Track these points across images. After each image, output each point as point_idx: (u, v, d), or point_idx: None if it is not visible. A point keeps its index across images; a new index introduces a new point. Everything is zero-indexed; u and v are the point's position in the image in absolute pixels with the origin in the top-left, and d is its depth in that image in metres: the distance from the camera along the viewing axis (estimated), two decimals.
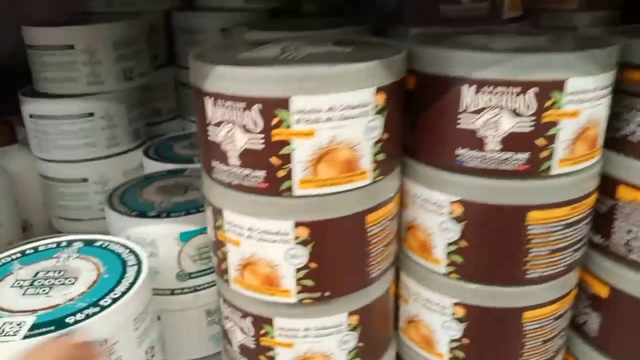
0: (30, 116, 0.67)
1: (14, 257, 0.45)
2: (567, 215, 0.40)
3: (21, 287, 0.41)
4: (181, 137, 0.76)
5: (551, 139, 0.38)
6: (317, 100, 0.34)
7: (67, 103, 0.65)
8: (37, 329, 0.36)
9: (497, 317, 0.43)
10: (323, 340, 0.42)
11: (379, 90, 0.36)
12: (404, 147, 0.43)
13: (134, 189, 0.58)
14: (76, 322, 0.37)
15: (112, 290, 0.41)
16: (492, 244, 0.41)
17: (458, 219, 0.41)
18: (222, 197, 0.39)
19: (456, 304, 0.43)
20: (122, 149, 0.70)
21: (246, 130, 0.35)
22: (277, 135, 0.35)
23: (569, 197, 0.40)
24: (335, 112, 0.34)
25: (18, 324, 0.36)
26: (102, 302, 0.39)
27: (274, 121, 0.34)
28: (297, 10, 0.89)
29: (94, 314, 0.38)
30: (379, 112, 0.36)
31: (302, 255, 0.38)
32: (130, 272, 0.43)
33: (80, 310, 0.38)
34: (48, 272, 0.43)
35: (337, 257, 0.39)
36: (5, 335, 0.35)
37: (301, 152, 0.35)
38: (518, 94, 0.36)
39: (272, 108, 0.34)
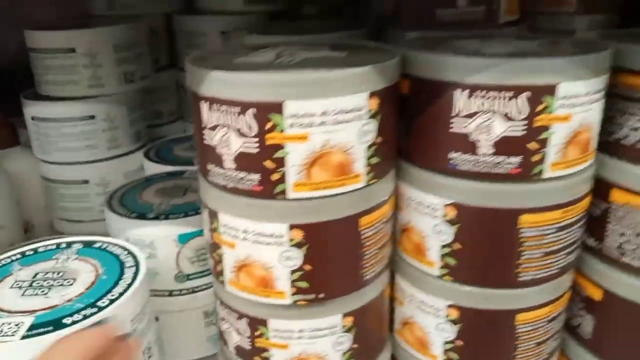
0: (32, 118, 0.67)
1: (13, 258, 0.46)
2: (559, 218, 0.41)
3: (20, 288, 0.42)
4: (182, 139, 0.76)
5: (543, 143, 0.38)
6: (311, 105, 0.34)
7: (69, 105, 0.66)
8: (35, 329, 0.37)
9: (491, 319, 0.43)
10: (318, 341, 0.42)
11: (372, 94, 0.36)
12: (399, 151, 0.43)
13: (133, 191, 0.59)
14: (74, 322, 0.38)
15: (109, 291, 0.41)
16: (485, 246, 0.41)
17: (451, 222, 0.41)
18: (218, 200, 0.39)
19: (450, 306, 0.44)
20: (123, 151, 0.71)
21: (241, 134, 0.36)
22: (271, 139, 0.35)
23: (561, 201, 0.40)
24: (329, 116, 0.35)
25: (16, 324, 0.37)
26: (99, 303, 0.40)
27: (268, 125, 0.35)
28: (297, 12, 0.90)
29: (92, 314, 0.38)
30: (373, 116, 0.37)
31: (297, 257, 0.39)
32: (128, 274, 0.43)
33: (78, 311, 0.39)
34: (47, 273, 0.43)
35: (331, 259, 0.40)
36: (3, 336, 0.36)
37: (295, 156, 0.36)
38: (510, 99, 0.37)
39: (266, 112, 0.34)
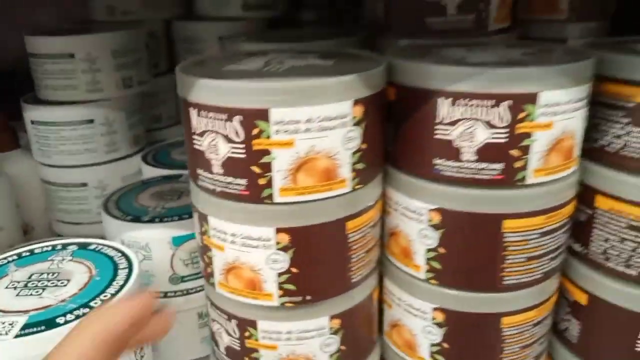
0: (32, 122, 0.69)
1: (10, 259, 0.47)
2: (542, 224, 0.42)
3: (15, 288, 0.43)
4: (179, 143, 0.77)
5: (525, 150, 0.39)
6: (295, 112, 0.35)
7: (68, 110, 0.67)
8: (28, 328, 0.38)
9: (476, 322, 0.44)
10: (305, 343, 0.43)
11: (356, 102, 0.37)
12: (387, 156, 0.44)
13: (130, 194, 0.60)
14: (66, 322, 0.39)
15: (102, 292, 0.42)
16: (469, 251, 0.42)
17: (436, 227, 0.42)
18: (207, 204, 0.40)
19: (436, 309, 0.45)
20: (121, 155, 0.72)
21: (228, 140, 0.37)
22: (258, 145, 0.36)
23: (544, 207, 0.41)
24: (314, 123, 0.36)
25: (10, 324, 0.38)
26: (92, 304, 0.41)
27: (255, 131, 0.36)
28: (296, 18, 0.91)
29: (85, 314, 0.40)
30: (357, 123, 0.38)
31: (283, 260, 0.40)
32: (121, 275, 0.45)
33: (71, 311, 0.40)
34: (42, 274, 0.45)
35: (317, 262, 0.40)
36: None
37: (281, 161, 0.37)
38: (491, 107, 0.38)
39: (252, 119, 0.35)
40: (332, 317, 0.43)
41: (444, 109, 0.39)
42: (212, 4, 0.79)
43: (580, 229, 0.47)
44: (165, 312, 0.29)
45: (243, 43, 0.53)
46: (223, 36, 0.68)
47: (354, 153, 0.39)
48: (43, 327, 0.38)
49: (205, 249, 0.43)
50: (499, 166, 0.39)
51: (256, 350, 0.44)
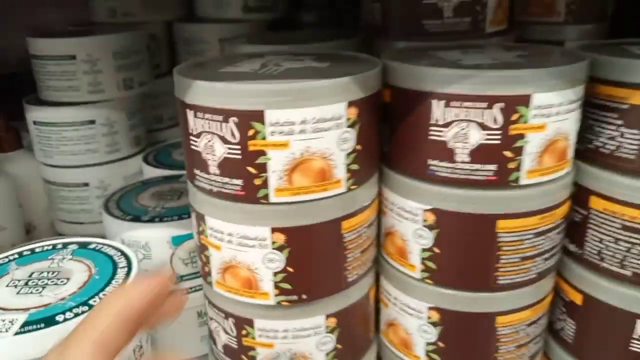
0: (34, 123, 0.69)
1: (11, 258, 0.48)
2: (536, 224, 0.42)
3: (16, 286, 0.43)
4: (180, 144, 0.77)
5: (518, 151, 0.39)
6: (290, 114, 0.36)
7: (70, 111, 0.68)
8: (28, 325, 0.39)
9: (470, 321, 0.45)
10: (302, 341, 0.44)
11: (350, 104, 0.38)
12: (383, 157, 0.45)
13: (130, 194, 0.61)
14: (65, 320, 0.39)
15: (101, 290, 0.43)
16: (464, 250, 0.42)
17: (431, 227, 0.42)
18: (204, 204, 0.41)
19: (431, 308, 0.45)
20: (122, 155, 0.73)
21: (224, 141, 0.37)
22: (253, 146, 0.37)
23: (538, 207, 0.42)
24: (308, 124, 0.36)
25: (10, 321, 0.39)
26: (91, 302, 0.41)
27: (250, 133, 0.36)
28: (296, 19, 0.92)
29: (83, 312, 0.40)
30: (352, 125, 0.38)
31: (279, 259, 0.40)
32: (120, 274, 0.45)
33: (70, 309, 0.40)
34: (42, 272, 0.45)
35: (313, 262, 0.41)
36: None
37: (276, 162, 0.37)
38: (485, 109, 0.38)
39: (248, 120, 0.36)
40: (328, 316, 0.43)
41: (438, 110, 0.39)
42: (213, 6, 0.80)
43: (575, 229, 0.47)
44: (178, 293, 0.30)
45: (242, 45, 0.54)
46: (223, 38, 0.68)
47: (349, 154, 0.39)
48: (42, 325, 0.39)
49: (202, 248, 0.43)
50: (492, 167, 0.40)
51: (253, 349, 0.44)
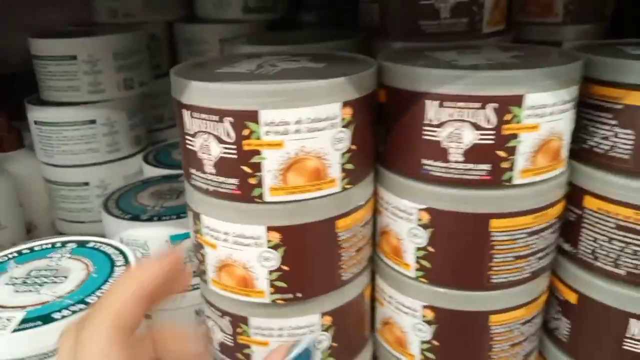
0: (35, 123, 0.70)
1: (10, 256, 0.48)
2: (530, 223, 0.42)
3: (14, 284, 0.44)
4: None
5: (512, 151, 0.40)
6: (285, 114, 0.36)
7: (70, 110, 0.69)
8: (25, 323, 0.39)
9: (465, 320, 0.45)
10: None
11: (345, 104, 0.38)
12: (378, 156, 0.45)
13: (129, 193, 0.61)
14: (63, 317, 0.40)
15: (99, 288, 0.43)
16: (457, 249, 0.43)
17: (425, 226, 0.43)
18: (200, 203, 0.42)
19: (425, 306, 0.45)
20: (123, 155, 0.73)
21: (220, 140, 0.38)
22: (248, 145, 0.37)
23: (531, 207, 0.42)
24: (303, 124, 0.37)
25: (7, 319, 0.39)
26: (88, 300, 0.42)
27: (245, 132, 0.37)
28: (296, 20, 0.92)
29: (81, 310, 0.41)
30: (346, 125, 0.39)
31: (274, 258, 0.40)
32: (118, 272, 0.45)
33: (68, 307, 0.41)
34: (41, 270, 0.46)
35: (308, 260, 0.41)
36: None
37: (271, 162, 0.38)
38: (478, 109, 0.38)
39: (243, 120, 0.36)
40: (323, 314, 0.44)
41: (432, 110, 0.40)
42: (213, 6, 0.80)
43: (569, 228, 0.47)
44: (186, 270, 0.30)
45: (242, 45, 0.54)
46: (223, 39, 0.69)
47: (344, 154, 0.39)
48: (40, 322, 0.39)
49: (198, 247, 0.44)
50: (486, 167, 0.40)
51: (248, 347, 0.45)
